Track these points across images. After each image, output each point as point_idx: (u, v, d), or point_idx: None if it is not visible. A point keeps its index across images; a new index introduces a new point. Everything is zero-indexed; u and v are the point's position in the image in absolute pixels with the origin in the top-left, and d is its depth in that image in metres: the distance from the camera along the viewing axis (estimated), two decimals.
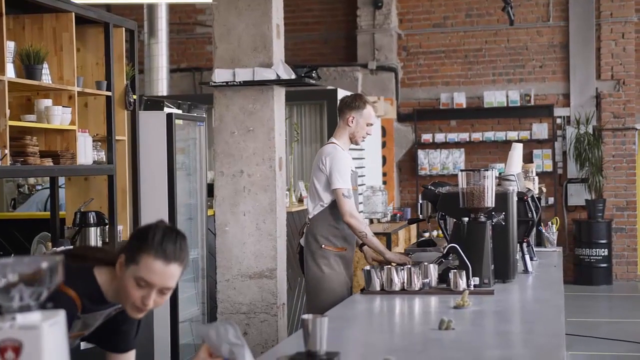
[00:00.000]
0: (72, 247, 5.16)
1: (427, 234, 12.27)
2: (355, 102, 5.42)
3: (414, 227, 11.51)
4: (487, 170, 4.54)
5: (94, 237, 5.56)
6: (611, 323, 10.06)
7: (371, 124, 5.44)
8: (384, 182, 12.46)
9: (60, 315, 1.84)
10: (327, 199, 5.29)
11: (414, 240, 10.80)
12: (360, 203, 10.06)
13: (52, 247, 5.41)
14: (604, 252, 12.46)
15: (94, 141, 5.62)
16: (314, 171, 5.38)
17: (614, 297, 11.94)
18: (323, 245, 5.32)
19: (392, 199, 12.61)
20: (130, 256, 2.65)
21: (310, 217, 5.45)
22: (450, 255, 4.53)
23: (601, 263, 12.47)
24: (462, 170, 4.58)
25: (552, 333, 3.27)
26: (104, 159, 5.70)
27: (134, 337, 3.01)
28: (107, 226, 5.72)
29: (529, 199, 5.17)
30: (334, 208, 5.28)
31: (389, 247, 8.94)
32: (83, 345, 4.76)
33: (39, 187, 8.37)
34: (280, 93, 6.28)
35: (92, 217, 5.57)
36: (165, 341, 6.41)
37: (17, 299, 1.80)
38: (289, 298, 6.61)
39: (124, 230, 5.99)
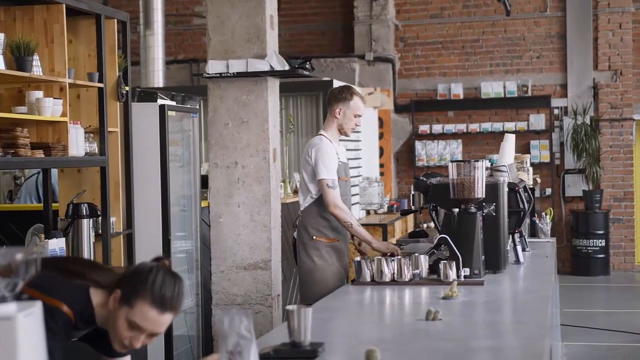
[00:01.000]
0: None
1: (424, 225, 12.27)
2: (342, 93, 5.45)
3: (410, 218, 11.51)
4: (477, 161, 4.54)
5: (87, 228, 5.56)
6: (608, 314, 10.07)
7: (359, 115, 5.45)
8: (382, 174, 12.46)
9: (36, 307, 1.84)
10: (315, 190, 5.33)
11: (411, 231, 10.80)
12: (356, 194, 10.08)
13: (45, 239, 5.41)
14: (601, 242, 12.47)
15: (86, 133, 5.61)
16: (302, 164, 5.44)
17: (611, 288, 11.95)
18: (314, 237, 5.34)
19: (390, 190, 12.61)
20: (126, 296, 2.64)
21: (301, 209, 5.48)
22: (442, 246, 4.53)
23: (598, 254, 12.48)
24: (452, 161, 4.58)
25: (537, 323, 3.28)
26: (96, 151, 5.70)
27: None
28: (99, 218, 5.71)
29: (521, 190, 5.17)
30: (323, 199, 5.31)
31: (384, 238, 8.95)
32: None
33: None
34: (274, 84, 6.28)
35: (84, 209, 5.56)
36: None
37: None
38: (283, 289, 6.61)
39: (116, 222, 6.00)
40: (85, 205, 5.59)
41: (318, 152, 5.28)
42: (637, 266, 12.98)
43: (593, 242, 12.46)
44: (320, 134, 5.47)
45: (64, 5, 5.31)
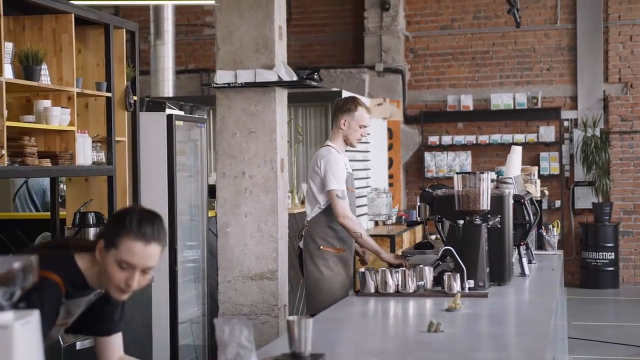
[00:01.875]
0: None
1: (433, 237, 12.25)
2: (347, 104, 5.49)
3: (419, 229, 11.49)
4: (483, 173, 4.53)
5: (93, 237, 5.58)
6: (617, 327, 10.03)
7: (364, 126, 5.48)
8: (391, 184, 12.46)
9: (34, 315, 1.85)
10: (323, 201, 5.34)
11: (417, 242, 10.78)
12: (364, 205, 10.08)
13: None
14: (610, 255, 12.42)
15: (93, 142, 5.64)
16: (310, 174, 5.46)
17: (621, 301, 11.90)
18: (321, 247, 5.36)
19: (399, 201, 12.60)
20: (109, 241, 2.73)
21: (308, 219, 5.50)
22: (447, 257, 4.53)
23: (608, 266, 12.43)
24: (457, 173, 4.58)
25: (539, 336, 3.27)
26: (104, 160, 5.72)
27: (119, 321, 3.05)
28: None
29: (527, 202, 5.17)
30: (331, 210, 5.32)
31: (392, 249, 8.94)
32: (79, 345, 4.80)
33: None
34: (282, 95, 6.29)
35: (91, 218, 5.58)
36: (165, 342, 6.42)
37: None
38: (290, 299, 6.61)
39: None
40: (92, 214, 5.61)
41: (327, 163, 5.30)
42: None
43: (602, 254, 12.42)
44: (328, 145, 5.49)
45: (73, 15, 5.34)
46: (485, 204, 4.49)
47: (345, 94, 10.40)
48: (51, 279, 2.71)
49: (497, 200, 4.64)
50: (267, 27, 6.15)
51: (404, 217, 11.46)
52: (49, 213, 5.94)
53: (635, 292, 12.32)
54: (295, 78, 6.11)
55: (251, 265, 5.90)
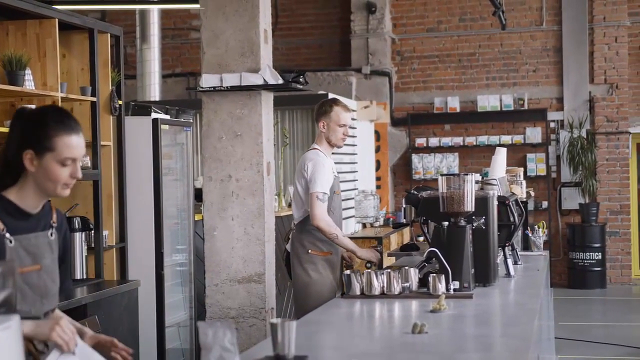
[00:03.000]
0: None
1: (421, 238, 12.26)
2: (323, 107, 5.55)
3: (407, 231, 11.51)
4: (467, 174, 4.55)
5: (79, 242, 5.57)
6: (604, 327, 10.07)
7: (344, 125, 5.50)
8: (378, 187, 12.47)
9: (14, 321, 1.86)
10: None
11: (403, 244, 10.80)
12: (351, 208, 10.09)
13: None
14: (597, 255, 12.47)
15: None
16: (297, 177, 5.47)
17: (608, 301, 11.94)
18: (310, 251, 5.37)
19: (387, 203, 12.62)
20: (40, 146, 2.74)
21: (295, 222, 5.50)
22: (432, 259, 4.54)
23: (595, 267, 12.48)
24: (442, 175, 4.59)
25: (522, 336, 3.28)
26: (89, 165, 5.72)
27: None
28: (92, 231, 5.73)
29: (512, 203, 5.18)
30: None
31: (380, 252, 8.95)
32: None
33: None
34: (268, 98, 6.30)
35: (77, 223, 5.58)
36: (152, 345, 6.41)
37: None
38: (277, 303, 6.62)
39: (109, 236, 6.01)
40: (78, 218, 5.60)
41: (315, 166, 5.33)
42: (634, 279, 12.98)
43: (589, 255, 12.46)
44: (315, 148, 5.51)
45: (57, 20, 5.34)
46: (469, 205, 4.51)
47: (332, 97, 10.42)
48: None
49: (482, 202, 4.65)
50: (252, 31, 6.16)
51: (391, 219, 11.48)
52: None
53: (622, 292, 12.37)
54: (280, 81, 6.12)
55: (238, 269, 5.90)
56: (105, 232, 5.87)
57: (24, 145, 2.76)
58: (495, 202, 4.81)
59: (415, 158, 13.18)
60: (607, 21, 12.82)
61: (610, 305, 11.73)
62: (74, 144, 2.78)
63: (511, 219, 5.15)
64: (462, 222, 4.52)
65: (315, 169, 5.31)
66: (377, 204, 10.41)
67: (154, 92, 10.85)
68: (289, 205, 8.27)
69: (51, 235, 2.89)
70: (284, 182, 9.30)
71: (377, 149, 12.66)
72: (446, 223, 4.51)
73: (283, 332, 2.80)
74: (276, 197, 8.16)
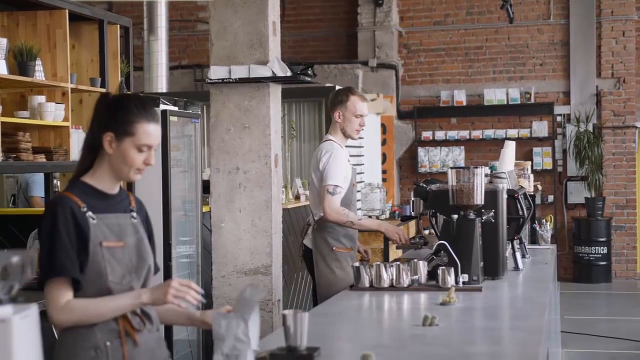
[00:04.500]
0: None
1: (427, 232, 12.26)
2: (338, 96, 5.43)
3: (412, 224, 11.51)
4: (477, 167, 4.55)
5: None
6: (609, 321, 10.07)
7: (360, 115, 5.40)
8: (384, 180, 12.48)
9: (32, 309, 1.86)
10: None
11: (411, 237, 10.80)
12: (358, 200, 10.08)
13: None
14: (603, 250, 12.47)
15: None
16: (313, 170, 5.36)
17: (613, 295, 11.95)
18: (334, 247, 5.30)
19: (392, 196, 12.62)
20: (121, 130, 2.85)
21: (316, 218, 5.40)
22: (441, 252, 4.54)
23: (600, 261, 12.48)
24: (451, 168, 4.59)
25: (533, 329, 3.29)
26: None
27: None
28: None
29: (520, 197, 5.18)
30: (343, 207, 5.26)
31: (385, 244, 8.94)
32: None
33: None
34: (276, 90, 6.29)
35: None
36: None
37: None
38: (284, 295, 6.62)
39: None
40: None
41: (330, 158, 5.24)
42: (639, 274, 12.98)
43: (595, 249, 12.46)
44: (330, 140, 5.42)
45: (67, 10, 5.34)
46: (479, 198, 4.51)
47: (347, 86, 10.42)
48: (61, 194, 2.85)
49: (491, 195, 4.65)
50: (261, 23, 6.16)
51: (397, 212, 11.48)
52: (42, 209, 5.93)
53: (627, 287, 12.37)
54: (289, 74, 6.11)
55: (245, 260, 5.91)
56: None
57: (105, 128, 2.87)
58: (505, 196, 4.81)
59: (421, 151, 13.18)
60: (614, 15, 12.80)
61: (616, 299, 11.73)
62: (153, 132, 2.89)
63: (520, 212, 5.15)
64: (472, 215, 4.52)
65: (329, 161, 5.23)
66: (383, 197, 10.41)
67: (161, 83, 10.84)
68: (296, 198, 8.27)
69: (133, 217, 3.00)
70: (291, 175, 9.31)
71: (383, 142, 12.66)
72: (456, 216, 4.52)
73: (295, 324, 2.81)
74: (283, 189, 8.16)
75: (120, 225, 2.95)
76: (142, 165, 2.90)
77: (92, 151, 2.91)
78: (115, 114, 2.88)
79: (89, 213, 2.84)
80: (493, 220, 4.64)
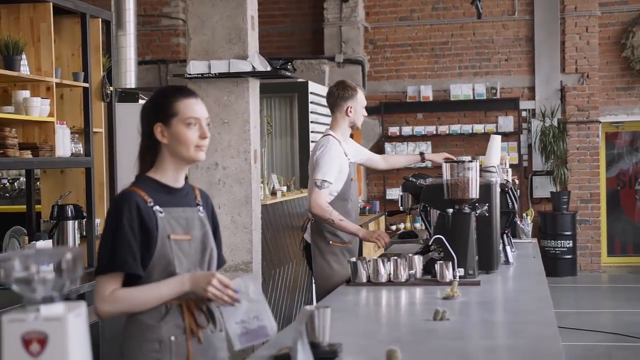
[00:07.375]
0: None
1: (402, 226, 12.30)
2: (348, 91, 5.42)
3: (382, 219, 11.55)
4: (471, 161, 4.56)
5: (72, 230, 5.49)
6: (576, 314, 10.18)
7: (364, 106, 5.50)
8: None
9: (82, 307, 1.82)
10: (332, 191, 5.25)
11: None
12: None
13: (30, 241, 5.32)
14: (568, 243, 12.60)
15: (71, 133, 5.55)
16: (311, 165, 5.33)
17: (579, 288, 12.09)
18: (331, 242, 5.28)
19: (360, 192, 12.63)
20: (165, 116, 2.92)
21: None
22: (433, 246, 4.53)
23: (566, 254, 12.62)
24: (446, 162, 4.59)
25: (546, 322, 3.31)
26: (82, 151, 5.63)
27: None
28: (84, 219, 5.64)
29: (510, 190, 5.21)
30: (339, 201, 5.24)
31: (360, 244, 8.94)
32: None
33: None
34: (255, 85, 6.26)
35: (70, 211, 5.49)
36: None
37: (40, 290, 1.78)
38: (264, 291, 6.59)
39: (101, 224, 5.92)
40: (71, 206, 5.52)
41: (324, 153, 5.21)
42: (604, 267, 13.15)
43: (561, 243, 12.60)
44: (329, 134, 5.39)
45: (51, 3, 5.24)
46: (474, 192, 4.52)
47: (312, 85, 10.40)
48: (128, 189, 2.91)
49: (485, 189, 4.66)
50: (239, 17, 6.12)
51: (367, 207, 11.50)
52: (24, 206, 5.83)
53: (592, 280, 12.53)
54: (269, 68, 6.08)
55: (225, 257, 5.85)
56: (97, 220, 5.79)
57: (153, 121, 2.93)
58: (498, 189, 4.83)
59: (388, 147, 13.20)
60: (578, 10, 12.93)
61: (581, 292, 11.87)
62: (194, 104, 2.94)
63: (510, 206, 5.17)
64: (467, 209, 4.53)
65: (324, 154, 5.20)
66: None
67: (130, 79, 10.71)
68: (273, 194, 8.23)
69: (199, 212, 3.01)
70: (268, 171, 9.26)
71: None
72: (451, 210, 4.52)
73: (319, 320, 2.78)
74: (261, 185, 8.11)
75: (188, 219, 2.96)
76: (199, 140, 2.93)
77: (151, 151, 2.96)
78: (155, 107, 2.96)
79: (156, 207, 2.88)
80: (487, 214, 4.65)
